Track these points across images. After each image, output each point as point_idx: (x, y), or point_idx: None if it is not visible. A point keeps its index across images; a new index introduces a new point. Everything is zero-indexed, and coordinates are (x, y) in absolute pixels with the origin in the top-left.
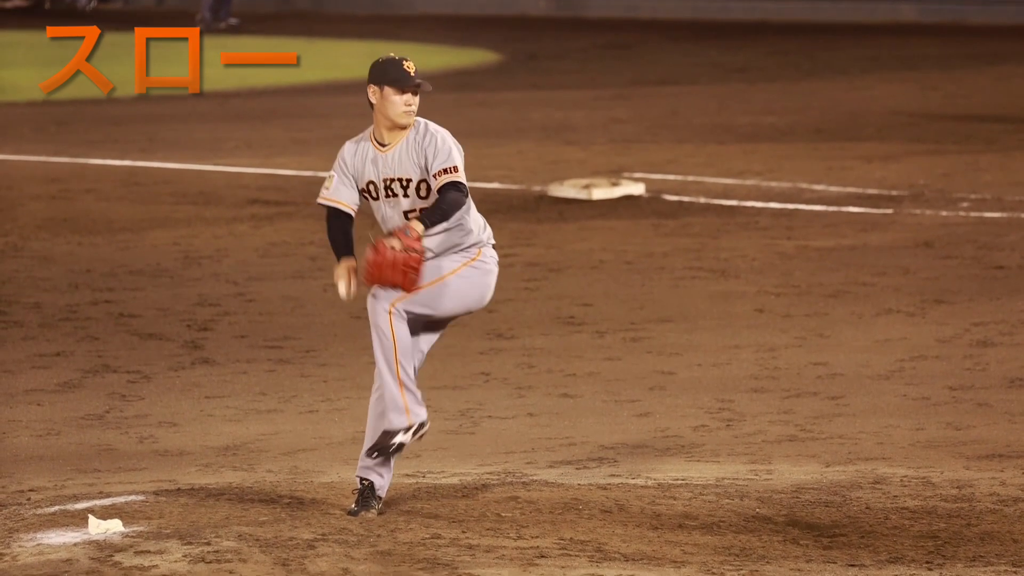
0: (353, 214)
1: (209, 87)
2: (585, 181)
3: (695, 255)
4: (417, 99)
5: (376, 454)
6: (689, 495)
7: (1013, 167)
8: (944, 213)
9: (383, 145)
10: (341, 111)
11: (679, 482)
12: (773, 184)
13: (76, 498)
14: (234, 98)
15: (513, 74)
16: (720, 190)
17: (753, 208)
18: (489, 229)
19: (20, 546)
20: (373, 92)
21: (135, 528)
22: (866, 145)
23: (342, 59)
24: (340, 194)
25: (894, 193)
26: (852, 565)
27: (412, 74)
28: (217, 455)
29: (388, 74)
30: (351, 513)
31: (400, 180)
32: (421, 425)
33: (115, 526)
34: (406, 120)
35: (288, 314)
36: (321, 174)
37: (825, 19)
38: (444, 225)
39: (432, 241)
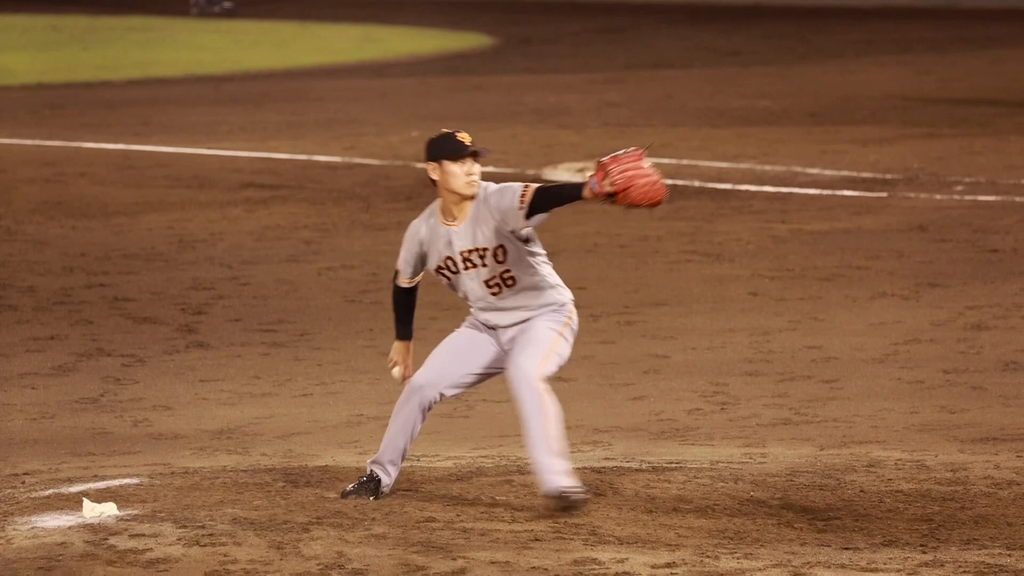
0: (415, 287)
1: (203, 71)
2: (579, 165)
3: (689, 239)
4: (478, 167)
5: (562, 506)
6: (683, 478)
7: (1007, 150)
8: (938, 196)
9: (453, 219)
10: (335, 95)
11: (673, 465)
12: (767, 168)
13: (70, 481)
14: (228, 82)
15: (507, 58)
16: (714, 174)
17: (747, 192)
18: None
19: (15, 529)
20: (433, 169)
21: (129, 511)
22: (860, 129)
23: (336, 43)
24: (405, 271)
25: (888, 176)
26: (846, 548)
27: (468, 143)
28: (211, 438)
29: (444, 148)
30: (344, 494)
31: (478, 250)
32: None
33: (109, 509)
34: (471, 190)
35: (282, 297)
36: (316, 158)
37: (819, 3)
38: (532, 283)
39: (526, 299)
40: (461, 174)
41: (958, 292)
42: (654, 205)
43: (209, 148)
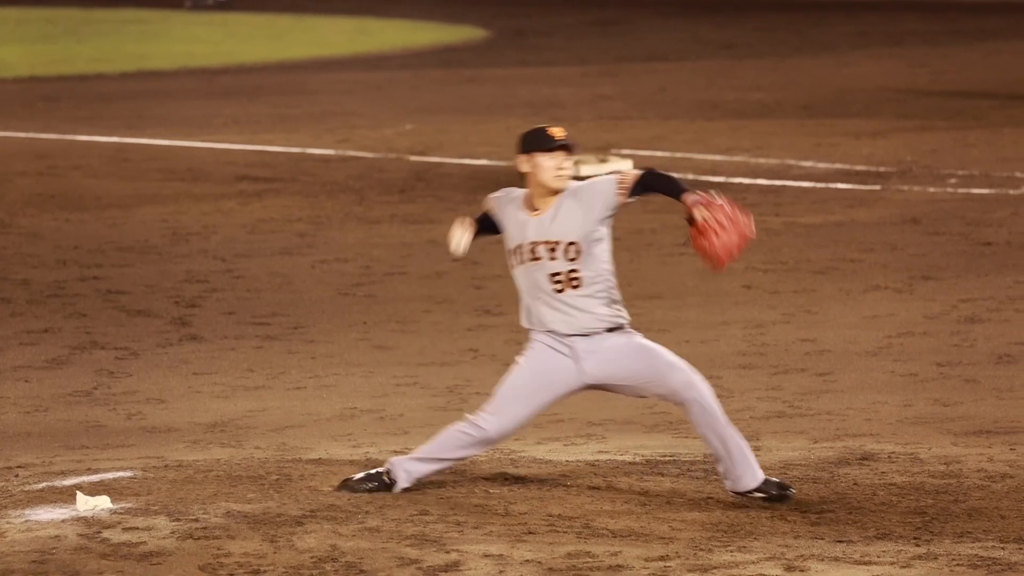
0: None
1: (197, 64)
2: (573, 158)
3: (683, 232)
4: (569, 163)
5: (782, 496)
6: (677, 471)
7: (1001, 143)
8: (932, 189)
9: (535, 210)
10: (329, 87)
11: (667, 458)
12: (761, 160)
13: (64, 474)
14: (222, 75)
15: (501, 51)
16: (708, 167)
17: (741, 185)
18: None
19: (8, 523)
20: (524, 162)
21: (123, 504)
22: (854, 121)
23: (330, 35)
24: (489, 204)
25: (882, 169)
26: (840, 541)
27: (559, 137)
28: (205, 432)
29: (535, 141)
30: (348, 486)
31: (549, 243)
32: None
33: (103, 502)
34: (559, 184)
35: (276, 290)
36: (309, 151)
37: None
38: (596, 290)
39: (588, 305)
40: (551, 167)
41: (951, 285)
42: (709, 260)
43: (203, 141)
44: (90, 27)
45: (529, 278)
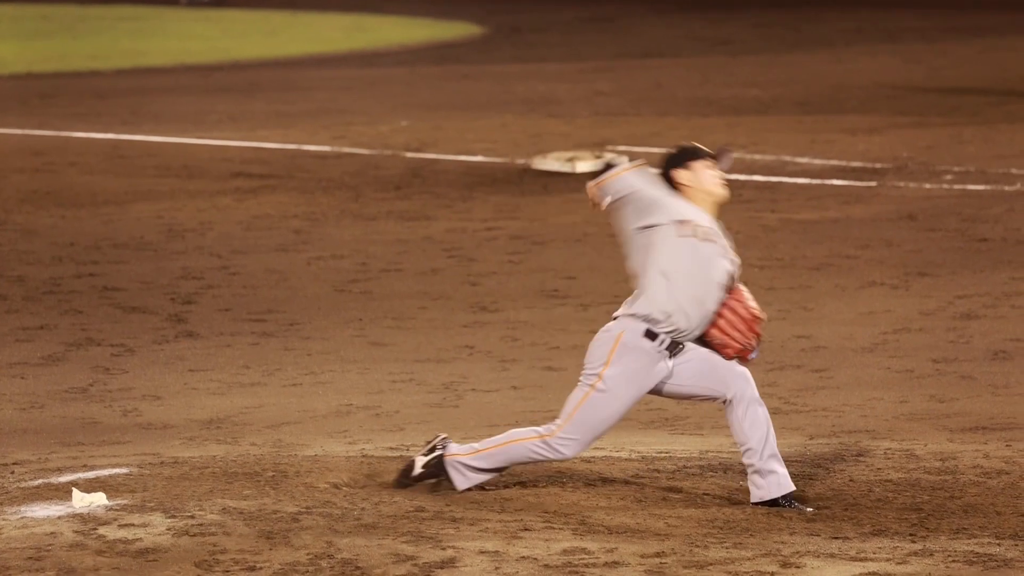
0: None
1: (193, 60)
2: (569, 154)
3: None
4: (721, 173)
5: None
6: (673, 468)
7: (997, 139)
8: (928, 186)
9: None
10: (324, 84)
11: (663, 455)
12: (757, 157)
13: (60, 471)
14: (217, 71)
15: (497, 47)
16: None
17: (736, 181)
18: None
19: (4, 519)
20: (685, 174)
21: (119, 501)
22: (850, 118)
23: (326, 32)
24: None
25: (878, 166)
26: (835, 537)
27: (707, 149)
28: (201, 428)
29: (690, 152)
30: (402, 479)
31: (726, 245)
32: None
33: (99, 499)
34: (722, 191)
35: (272, 287)
36: (305, 147)
37: None
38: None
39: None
40: (712, 174)
41: (947, 281)
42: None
43: (198, 138)
44: (86, 24)
45: (702, 251)
